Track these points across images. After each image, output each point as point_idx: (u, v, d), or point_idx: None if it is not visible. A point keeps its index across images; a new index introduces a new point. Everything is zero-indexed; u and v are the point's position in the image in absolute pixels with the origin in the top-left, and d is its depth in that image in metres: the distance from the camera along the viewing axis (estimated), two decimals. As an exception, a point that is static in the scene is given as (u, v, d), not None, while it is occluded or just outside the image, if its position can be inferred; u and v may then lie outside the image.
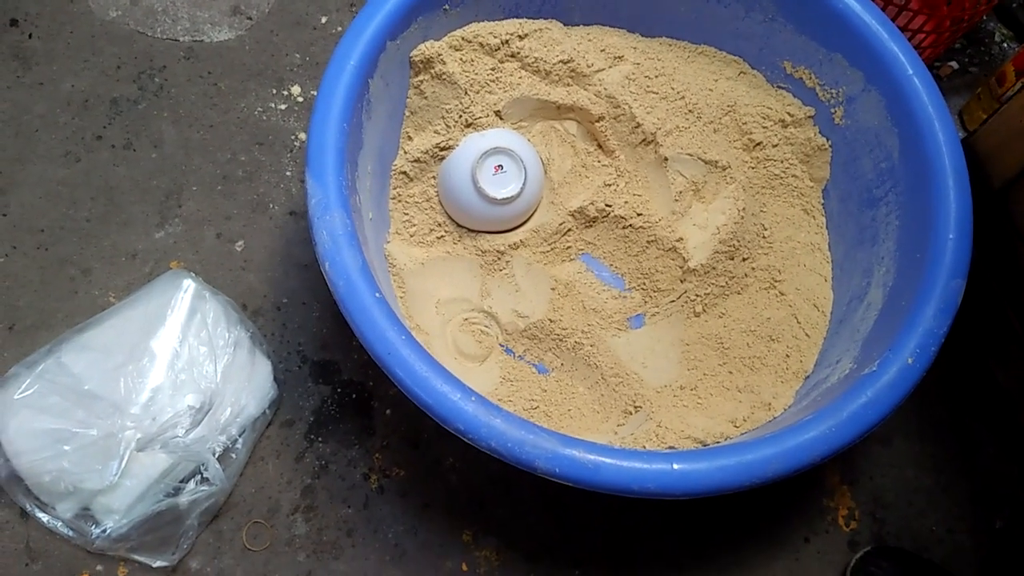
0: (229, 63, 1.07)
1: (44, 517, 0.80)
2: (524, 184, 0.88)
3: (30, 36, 1.06)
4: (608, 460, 0.65)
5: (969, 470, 0.93)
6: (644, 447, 0.78)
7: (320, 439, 0.88)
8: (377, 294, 0.70)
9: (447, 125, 0.90)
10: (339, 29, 1.11)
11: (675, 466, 0.66)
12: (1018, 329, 0.87)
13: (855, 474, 0.92)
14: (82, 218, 0.96)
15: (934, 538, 0.90)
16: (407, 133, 0.91)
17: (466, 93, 0.89)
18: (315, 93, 1.02)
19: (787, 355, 0.86)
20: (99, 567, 0.81)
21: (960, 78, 1.19)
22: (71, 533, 0.80)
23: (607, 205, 0.91)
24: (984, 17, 1.21)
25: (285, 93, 1.06)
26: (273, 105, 1.06)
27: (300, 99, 1.06)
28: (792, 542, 0.88)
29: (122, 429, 0.78)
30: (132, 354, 0.82)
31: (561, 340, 0.87)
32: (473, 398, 0.67)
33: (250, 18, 1.11)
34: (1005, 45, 1.22)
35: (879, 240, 0.86)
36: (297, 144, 1.03)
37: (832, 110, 0.93)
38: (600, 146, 0.95)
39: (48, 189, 0.97)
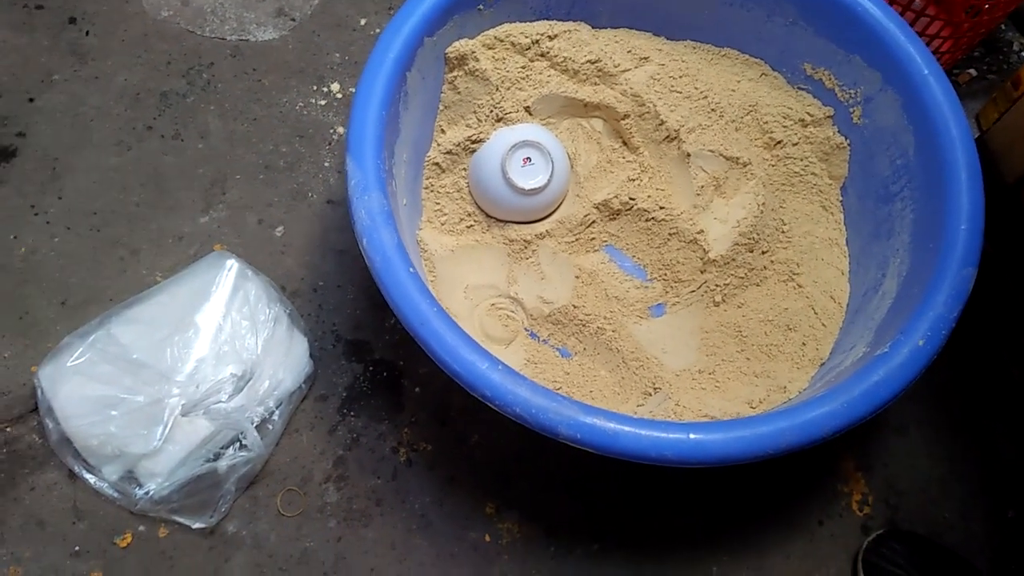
0: (273, 61, 1.13)
1: (91, 479, 0.83)
2: (551, 176, 0.91)
3: (87, 33, 1.12)
4: (627, 428, 0.68)
5: (983, 462, 0.95)
6: (662, 424, 0.81)
7: (352, 413, 0.92)
8: (411, 269, 0.73)
9: (479, 119, 0.94)
10: (377, 31, 1.17)
11: (691, 436, 0.68)
12: (1031, 322, 0.89)
13: (869, 461, 0.94)
14: (132, 203, 1.01)
15: (946, 525, 0.91)
16: (440, 126, 0.95)
17: (497, 89, 0.93)
18: (353, 90, 1.08)
19: (803, 343, 0.89)
20: (141, 527, 0.84)
21: (978, 84, 1.21)
22: (116, 494, 0.83)
23: (631, 198, 0.94)
24: (1002, 26, 1.24)
25: (325, 90, 1.12)
26: (313, 101, 1.11)
27: (339, 96, 1.11)
28: (806, 525, 0.90)
29: (167, 396, 0.82)
30: (178, 327, 0.86)
31: (584, 325, 0.90)
32: (500, 367, 0.70)
33: (293, 19, 1.16)
34: (1023, 53, 1.24)
35: (895, 233, 0.88)
36: (335, 137, 1.08)
37: (850, 110, 0.95)
38: (625, 143, 0.98)
39: (101, 175, 1.03)
